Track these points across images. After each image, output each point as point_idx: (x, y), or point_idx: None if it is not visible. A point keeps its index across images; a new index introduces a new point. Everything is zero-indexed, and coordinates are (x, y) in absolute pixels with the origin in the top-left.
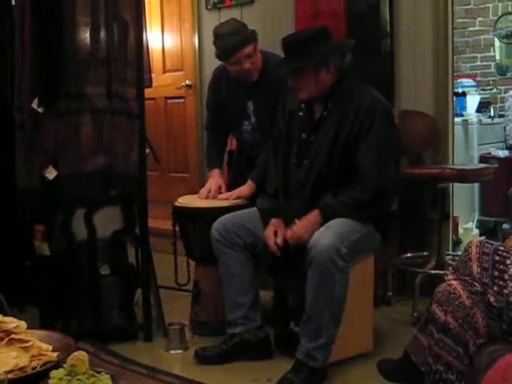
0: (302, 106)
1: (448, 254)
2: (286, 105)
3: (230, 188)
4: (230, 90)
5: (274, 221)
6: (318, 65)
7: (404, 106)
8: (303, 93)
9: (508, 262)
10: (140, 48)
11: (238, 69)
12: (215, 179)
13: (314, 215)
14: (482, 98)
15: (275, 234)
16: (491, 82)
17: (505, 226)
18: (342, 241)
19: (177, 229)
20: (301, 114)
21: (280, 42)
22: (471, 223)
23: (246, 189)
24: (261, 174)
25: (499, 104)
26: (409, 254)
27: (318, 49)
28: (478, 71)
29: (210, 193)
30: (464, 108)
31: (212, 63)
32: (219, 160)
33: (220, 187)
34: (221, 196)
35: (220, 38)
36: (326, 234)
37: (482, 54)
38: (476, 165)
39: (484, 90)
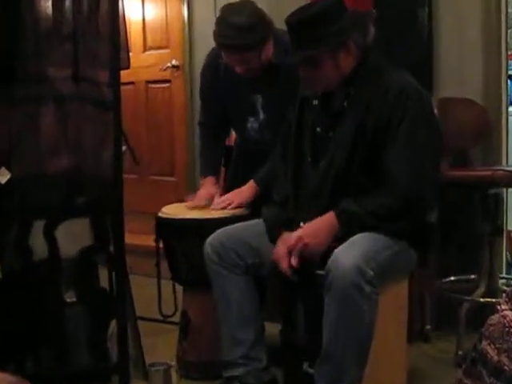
0: (318, 92)
1: (502, 277)
2: (298, 92)
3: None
4: (232, 78)
5: (285, 236)
6: (335, 47)
7: (445, 92)
8: (319, 84)
9: None
10: (115, 20)
11: (230, 65)
12: (207, 189)
13: (328, 218)
14: None
15: (288, 252)
16: None
17: None
18: (369, 261)
19: (161, 246)
20: (315, 102)
21: (285, 22)
22: None
23: (246, 190)
24: (269, 176)
25: None
26: (452, 278)
27: (333, 28)
28: None
29: (198, 202)
30: None
31: (206, 39)
32: (215, 165)
33: (212, 198)
34: (215, 203)
35: (223, 26)
36: (347, 252)
37: None
38: None
39: None
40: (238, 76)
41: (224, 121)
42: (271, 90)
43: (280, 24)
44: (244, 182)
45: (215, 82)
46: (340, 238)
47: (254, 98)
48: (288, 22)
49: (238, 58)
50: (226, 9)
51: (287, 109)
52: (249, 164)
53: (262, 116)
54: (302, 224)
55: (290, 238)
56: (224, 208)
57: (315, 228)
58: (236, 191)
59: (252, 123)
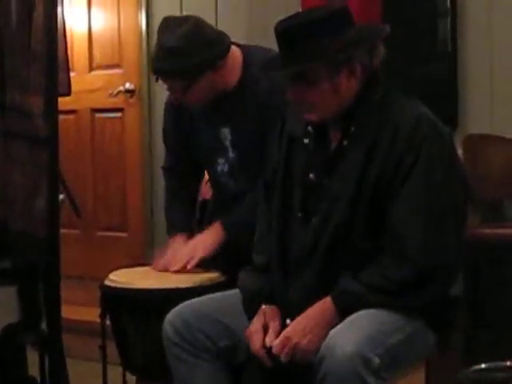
0: (309, 128)
1: None
2: (285, 128)
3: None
4: (196, 112)
5: (264, 309)
6: (335, 65)
7: (473, 128)
8: (313, 112)
9: None
10: (52, 32)
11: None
12: (176, 249)
13: (323, 307)
14: None
15: (265, 330)
16: None
17: None
18: (374, 346)
19: (108, 322)
20: (307, 141)
21: (274, 29)
22: None
23: (210, 237)
24: (239, 222)
25: None
26: (483, 365)
27: (334, 40)
28: None
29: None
30: None
31: None
32: (185, 220)
33: None
34: (172, 263)
35: (156, 45)
36: (347, 335)
37: None
38: None
39: None
40: (203, 108)
41: (194, 165)
42: (242, 120)
43: (262, 38)
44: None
45: (179, 120)
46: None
47: (220, 132)
48: (280, 27)
49: (169, 84)
50: (163, 24)
51: (265, 145)
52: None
53: (231, 154)
54: (288, 321)
55: (275, 318)
56: (182, 269)
57: (306, 323)
58: (199, 238)
59: (222, 166)
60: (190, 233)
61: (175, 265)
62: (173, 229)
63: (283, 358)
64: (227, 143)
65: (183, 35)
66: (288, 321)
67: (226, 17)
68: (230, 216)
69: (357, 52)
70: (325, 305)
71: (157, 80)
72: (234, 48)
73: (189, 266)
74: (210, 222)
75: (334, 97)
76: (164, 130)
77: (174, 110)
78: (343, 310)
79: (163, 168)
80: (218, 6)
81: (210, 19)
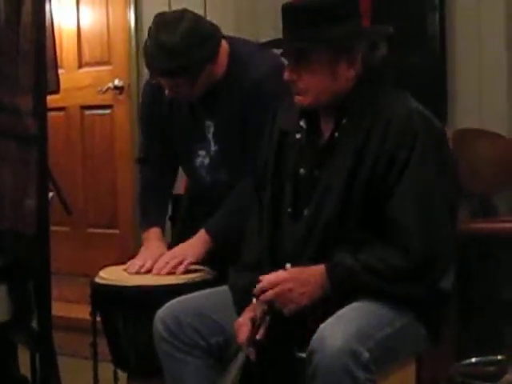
0: (302, 124)
1: None
2: (276, 122)
3: None
4: (176, 102)
5: (254, 303)
6: (336, 50)
7: (463, 122)
8: (306, 95)
9: None
10: (40, 30)
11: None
12: (153, 244)
13: (318, 270)
14: None
15: (253, 323)
16: None
17: None
18: (365, 339)
19: (98, 320)
20: (299, 136)
21: (282, 9)
22: None
23: (195, 244)
24: (224, 228)
25: None
26: (473, 359)
27: (339, 26)
28: None
29: (145, 266)
30: None
31: None
32: (161, 212)
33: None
34: (159, 264)
35: (152, 44)
36: (337, 328)
37: None
38: None
39: None
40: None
41: (170, 157)
42: (225, 113)
43: (251, 31)
44: None
45: (158, 106)
46: (328, 306)
47: (203, 124)
48: (286, 8)
49: (168, 82)
50: (159, 21)
51: (249, 138)
52: (202, 215)
53: (213, 148)
54: (288, 265)
55: (268, 277)
56: (173, 270)
57: (304, 275)
58: (186, 244)
59: (202, 158)
60: (163, 227)
61: (163, 268)
62: (147, 222)
63: (271, 295)
64: (209, 136)
65: (183, 33)
66: (288, 265)
67: (214, 12)
68: (214, 221)
69: (359, 43)
70: (320, 269)
71: (152, 78)
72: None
73: (178, 272)
74: (185, 217)
75: (330, 83)
76: (141, 113)
77: (152, 93)
78: (335, 284)
79: (138, 159)
80: (207, 2)
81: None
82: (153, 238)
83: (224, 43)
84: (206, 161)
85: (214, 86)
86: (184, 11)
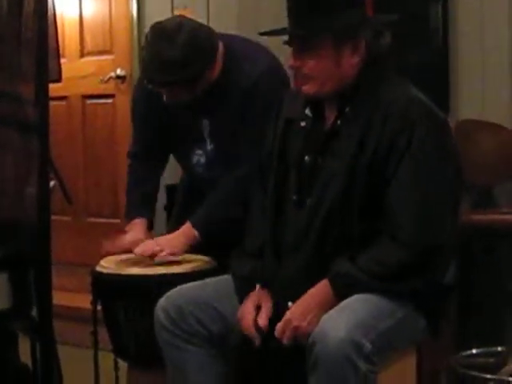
0: (307, 112)
1: None
2: (281, 110)
3: None
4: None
5: (257, 291)
6: (341, 36)
7: (465, 113)
8: (311, 83)
9: None
10: (42, 19)
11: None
12: (134, 233)
13: (321, 290)
14: None
15: (257, 311)
16: None
17: None
18: (366, 331)
19: (99, 309)
20: (304, 124)
21: None
22: None
23: (177, 237)
24: (210, 220)
25: None
26: (473, 351)
27: (345, 13)
28: None
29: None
30: None
31: None
32: (146, 204)
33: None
34: (138, 249)
35: (150, 56)
36: (338, 320)
37: None
38: None
39: None
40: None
41: (162, 151)
42: (221, 111)
43: (253, 28)
44: None
45: (150, 105)
46: None
47: (199, 123)
48: None
49: (167, 91)
50: (157, 32)
51: (246, 136)
52: (197, 205)
53: (209, 146)
54: (290, 304)
55: (267, 300)
56: (153, 256)
57: (306, 305)
58: (170, 236)
59: (199, 157)
60: (149, 219)
61: (142, 252)
62: (132, 212)
63: (285, 341)
64: (205, 134)
65: (183, 45)
66: (290, 303)
67: (217, 3)
68: (198, 215)
69: (363, 30)
70: (324, 286)
71: (151, 87)
72: None
73: (158, 258)
74: (180, 209)
75: (335, 69)
76: (135, 109)
77: (148, 91)
78: (339, 293)
79: (129, 154)
80: None
81: (201, 8)
82: (136, 228)
83: (220, 45)
84: (203, 159)
85: (210, 85)
86: (180, 22)
